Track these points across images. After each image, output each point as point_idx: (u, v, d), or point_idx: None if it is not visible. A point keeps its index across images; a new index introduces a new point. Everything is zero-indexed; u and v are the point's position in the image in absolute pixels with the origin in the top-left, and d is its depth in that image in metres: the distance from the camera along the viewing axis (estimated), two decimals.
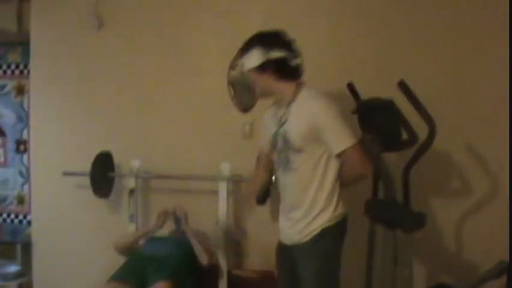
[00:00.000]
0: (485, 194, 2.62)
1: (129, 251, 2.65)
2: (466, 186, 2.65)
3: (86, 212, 3.14)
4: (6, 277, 3.06)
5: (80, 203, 3.12)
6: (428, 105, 2.07)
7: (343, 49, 2.77)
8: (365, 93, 2.43)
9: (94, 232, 3.12)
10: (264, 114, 2.07)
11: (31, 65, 3.25)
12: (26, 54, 3.31)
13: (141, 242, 2.72)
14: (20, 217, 3.45)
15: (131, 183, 2.96)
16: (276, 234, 2.06)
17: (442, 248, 2.70)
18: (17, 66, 3.43)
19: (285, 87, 1.90)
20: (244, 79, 1.94)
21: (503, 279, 2.11)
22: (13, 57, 3.43)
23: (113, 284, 2.31)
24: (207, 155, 2.93)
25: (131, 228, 2.92)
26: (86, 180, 2.91)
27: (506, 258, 2.11)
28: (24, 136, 3.39)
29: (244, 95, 2.01)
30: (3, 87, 3.44)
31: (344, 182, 1.91)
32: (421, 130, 2.12)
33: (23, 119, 3.39)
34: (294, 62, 1.88)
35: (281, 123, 1.91)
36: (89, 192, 2.91)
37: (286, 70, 1.87)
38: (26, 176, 3.41)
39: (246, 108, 2.08)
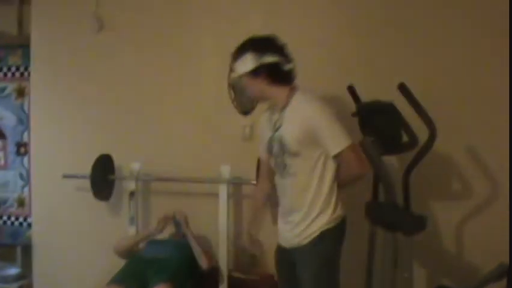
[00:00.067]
0: (486, 197, 2.62)
1: (129, 253, 2.66)
2: (466, 188, 2.64)
3: (86, 215, 3.14)
4: (7, 279, 3.06)
5: (81, 205, 3.12)
6: (428, 107, 2.07)
7: (343, 51, 2.76)
8: (366, 96, 2.42)
9: (94, 235, 3.12)
10: (260, 119, 2.06)
11: (31, 68, 3.26)
12: (26, 56, 3.31)
13: (141, 245, 2.72)
14: (21, 219, 3.46)
15: (131, 185, 2.96)
16: (276, 237, 2.06)
17: (442, 251, 2.69)
18: (18, 69, 3.44)
19: (278, 92, 1.90)
20: (241, 83, 1.93)
21: (504, 282, 2.10)
22: (13, 59, 3.45)
23: (113, 286, 2.32)
24: (207, 157, 2.93)
25: (132, 230, 2.92)
26: (87, 183, 2.91)
27: (507, 260, 2.11)
28: (25, 138, 3.40)
29: (244, 97, 2.01)
30: (3, 89, 3.44)
31: (341, 182, 1.91)
32: (421, 133, 2.12)
33: (23, 121, 3.40)
34: (287, 67, 1.88)
35: (276, 128, 1.91)
36: (89, 194, 2.91)
37: (279, 75, 1.87)
38: (26, 179, 3.41)
39: (246, 110, 2.09)
